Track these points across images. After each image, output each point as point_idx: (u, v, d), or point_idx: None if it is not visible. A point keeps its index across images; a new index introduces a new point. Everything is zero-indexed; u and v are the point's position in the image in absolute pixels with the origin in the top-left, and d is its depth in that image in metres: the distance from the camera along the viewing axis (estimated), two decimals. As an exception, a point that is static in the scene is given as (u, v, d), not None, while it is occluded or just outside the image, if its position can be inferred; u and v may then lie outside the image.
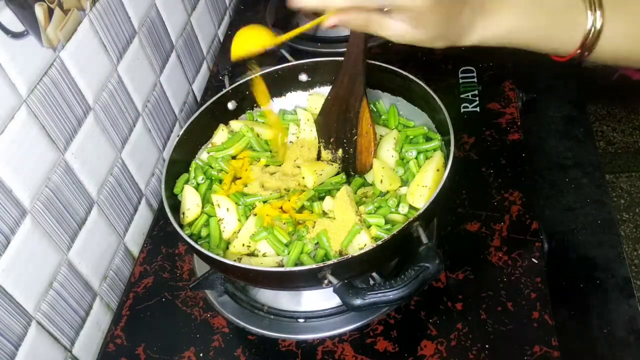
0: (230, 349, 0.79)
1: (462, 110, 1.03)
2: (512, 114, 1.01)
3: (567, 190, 0.95)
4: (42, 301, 0.75)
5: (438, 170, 0.77)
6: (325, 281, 0.64)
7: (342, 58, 0.84)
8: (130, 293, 0.88)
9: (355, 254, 0.65)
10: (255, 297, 0.83)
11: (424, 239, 0.66)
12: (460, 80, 1.08)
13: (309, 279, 0.67)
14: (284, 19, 1.30)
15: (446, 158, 0.79)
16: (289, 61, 0.95)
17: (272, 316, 0.81)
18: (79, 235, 0.83)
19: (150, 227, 0.99)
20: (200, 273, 0.85)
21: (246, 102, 0.95)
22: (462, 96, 1.05)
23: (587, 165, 0.98)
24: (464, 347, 0.73)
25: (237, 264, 0.69)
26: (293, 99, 0.97)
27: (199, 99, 1.23)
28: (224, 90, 0.92)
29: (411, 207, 0.77)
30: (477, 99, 1.04)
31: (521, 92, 1.06)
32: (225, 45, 1.34)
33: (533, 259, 0.80)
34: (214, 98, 0.91)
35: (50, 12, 0.76)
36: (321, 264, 0.64)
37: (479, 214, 0.87)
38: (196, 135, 0.90)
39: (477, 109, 1.03)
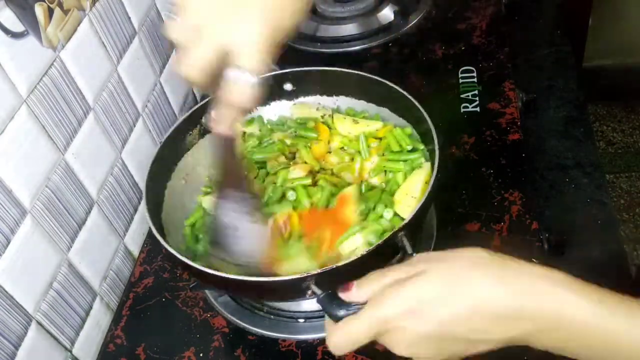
0: (230, 349, 0.79)
1: (462, 110, 1.03)
2: (512, 114, 1.01)
3: (567, 190, 0.94)
4: (42, 301, 0.75)
5: (426, 182, 0.76)
6: (309, 292, 0.63)
7: (328, 68, 0.88)
8: (130, 293, 0.88)
9: (340, 264, 0.63)
10: (255, 297, 0.84)
11: (409, 250, 0.65)
12: (460, 80, 1.08)
13: (293, 290, 0.65)
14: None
15: (432, 168, 0.77)
16: (274, 70, 0.94)
17: (272, 316, 0.81)
18: (79, 235, 0.83)
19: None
20: (200, 273, 0.85)
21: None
22: (462, 96, 1.05)
23: (587, 165, 0.97)
24: (464, 347, 0.73)
25: (216, 272, 0.65)
26: (277, 108, 0.96)
27: (198, 99, 1.23)
28: (208, 98, 0.87)
29: (396, 214, 0.76)
30: (477, 99, 1.04)
31: (521, 92, 1.06)
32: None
33: (533, 259, 0.79)
34: (197, 106, 0.87)
35: (50, 12, 0.76)
36: (305, 274, 0.63)
37: (479, 214, 0.87)
38: (169, 158, 0.87)
39: (477, 109, 1.03)
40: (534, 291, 0.50)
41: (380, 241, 0.65)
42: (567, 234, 0.84)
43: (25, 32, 0.72)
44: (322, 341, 0.77)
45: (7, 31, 0.69)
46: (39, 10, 0.74)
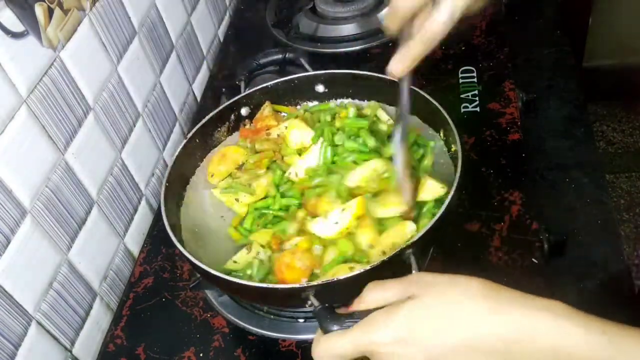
0: (230, 349, 0.79)
1: (462, 110, 1.03)
2: (512, 114, 1.01)
3: (567, 190, 0.94)
4: (42, 301, 0.75)
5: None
6: (309, 302, 0.63)
7: (358, 72, 0.89)
8: (130, 293, 0.88)
9: (341, 277, 0.63)
10: (255, 297, 0.84)
11: (415, 269, 0.64)
12: (460, 80, 1.08)
13: (293, 298, 0.65)
14: (284, 19, 1.30)
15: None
16: (306, 70, 0.94)
17: (272, 316, 0.81)
18: (79, 235, 0.83)
19: (150, 227, 0.99)
20: (200, 273, 0.86)
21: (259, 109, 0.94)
22: (462, 96, 1.05)
23: (587, 165, 0.97)
24: (464, 347, 0.73)
25: (223, 275, 0.68)
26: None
27: (199, 99, 1.23)
28: (239, 96, 0.91)
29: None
30: (477, 99, 1.04)
31: (521, 92, 1.06)
32: (227, 46, 1.34)
33: (533, 259, 0.80)
34: (228, 103, 0.90)
35: (50, 12, 0.76)
36: (304, 285, 0.63)
37: (479, 214, 0.87)
38: (201, 142, 0.89)
39: (477, 109, 1.03)
40: (530, 325, 0.48)
41: (385, 258, 0.64)
42: (567, 234, 0.84)
43: (25, 32, 0.72)
44: (322, 341, 0.77)
45: (7, 31, 0.69)
46: (39, 10, 0.74)
